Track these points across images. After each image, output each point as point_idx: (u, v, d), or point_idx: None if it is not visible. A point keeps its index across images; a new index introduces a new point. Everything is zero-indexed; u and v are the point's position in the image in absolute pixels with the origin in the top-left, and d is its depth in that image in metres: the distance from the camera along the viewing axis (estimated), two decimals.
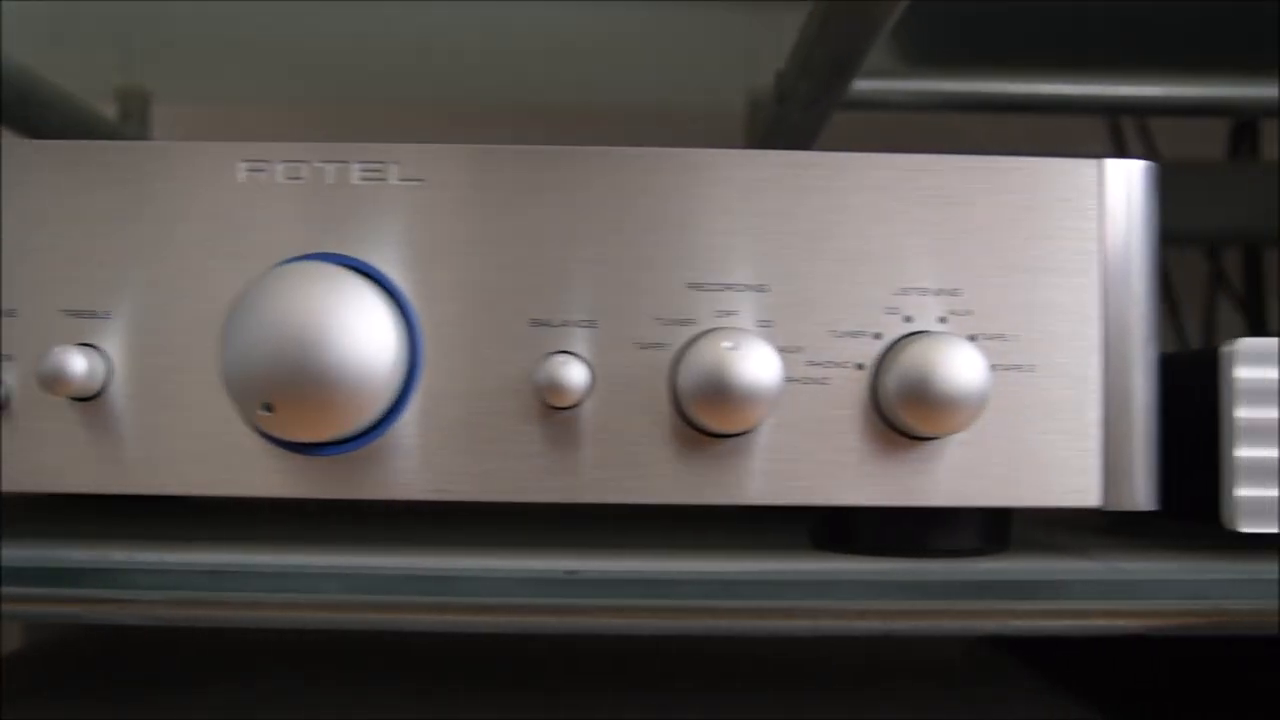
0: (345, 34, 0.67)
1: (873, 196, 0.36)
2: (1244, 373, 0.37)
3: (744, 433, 0.36)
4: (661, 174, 0.36)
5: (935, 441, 0.36)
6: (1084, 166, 0.37)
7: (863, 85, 0.52)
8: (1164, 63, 0.64)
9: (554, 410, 0.36)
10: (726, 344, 0.34)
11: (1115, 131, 0.76)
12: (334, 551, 0.36)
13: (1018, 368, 0.36)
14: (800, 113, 0.53)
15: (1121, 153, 0.78)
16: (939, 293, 0.36)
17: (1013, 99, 0.59)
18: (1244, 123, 0.77)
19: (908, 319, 0.36)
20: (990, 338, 0.36)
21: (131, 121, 0.70)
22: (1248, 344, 0.37)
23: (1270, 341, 0.37)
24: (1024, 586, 0.36)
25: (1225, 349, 0.37)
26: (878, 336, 0.36)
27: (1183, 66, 0.64)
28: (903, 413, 0.35)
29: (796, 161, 0.37)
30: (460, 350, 0.36)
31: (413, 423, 0.36)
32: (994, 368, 0.36)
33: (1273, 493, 0.37)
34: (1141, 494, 0.37)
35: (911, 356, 0.34)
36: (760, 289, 0.36)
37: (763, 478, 0.36)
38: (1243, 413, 0.37)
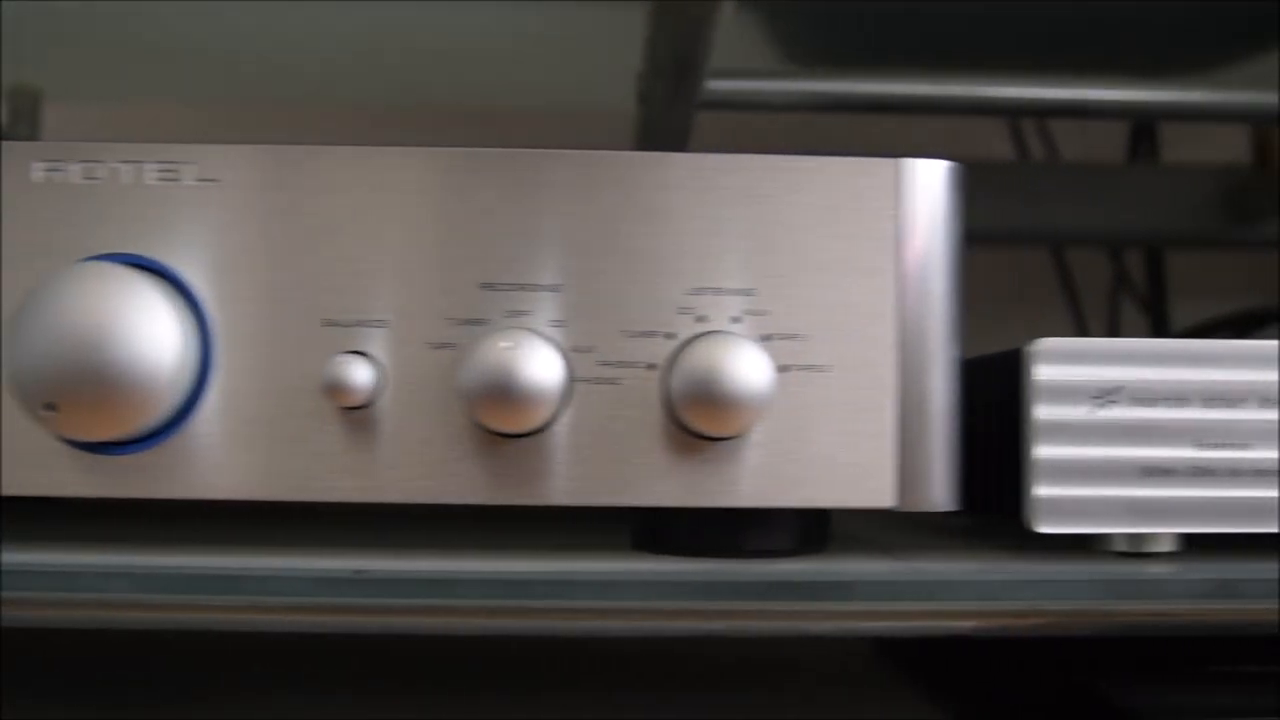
0: (237, 32, 0.67)
1: (669, 196, 0.36)
2: (1044, 372, 0.37)
3: (532, 433, 0.36)
4: (455, 173, 0.36)
5: (729, 442, 0.36)
6: (881, 166, 0.37)
7: (721, 85, 0.52)
8: (1065, 65, 0.64)
9: (347, 410, 0.36)
10: (505, 344, 0.34)
11: (1015, 133, 0.76)
12: (124, 550, 0.36)
13: (812, 368, 0.36)
14: (663, 113, 0.53)
15: (1023, 155, 0.78)
16: (733, 293, 0.36)
17: (894, 99, 0.58)
18: (1143, 125, 0.77)
19: (701, 319, 0.36)
20: (785, 338, 0.36)
21: (22, 121, 0.69)
22: (1047, 343, 0.37)
23: (1070, 341, 0.37)
24: (816, 588, 0.36)
25: (1027, 348, 0.37)
26: (670, 336, 0.36)
27: (1080, 69, 0.64)
28: (686, 413, 0.35)
29: (592, 161, 0.36)
30: (255, 350, 0.36)
31: (209, 422, 0.36)
32: (788, 368, 0.36)
33: (1072, 492, 0.37)
34: (939, 495, 0.37)
35: (692, 357, 0.34)
36: (553, 289, 0.36)
37: (560, 479, 0.36)
38: (1042, 412, 0.37)
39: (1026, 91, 0.62)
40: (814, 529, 0.40)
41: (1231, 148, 0.76)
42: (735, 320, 0.36)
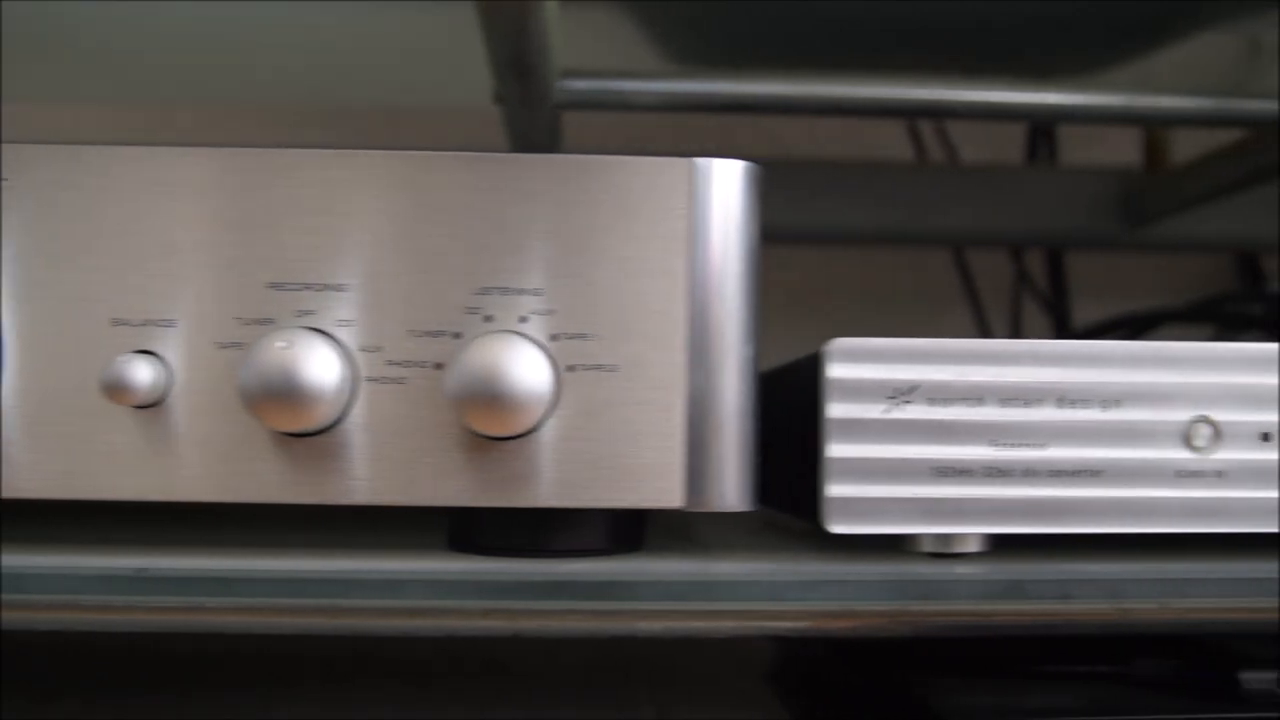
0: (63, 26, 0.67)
1: (460, 195, 0.36)
2: (837, 371, 0.37)
3: (319, 432, 0.36)
4: (245, 173, 0.36)
5: (515, 442, 0.36)
6: (674, 166, 0.37)
7: (576, 85, 0.52)
8: (953, 66, 0.64)
9: (137, 409, 0.36)
10: (280, 344, 0.34)
11: (913, 134, 0.76)
12: None
13: (601, 368, 0.36)
14: (519, 113, 0.53)
15: (921, 156, 0.78)
16: (521, 292, 0.36)
17: (766, 100, 0.58)
18: (1041, 127, 0.77)
19: (489, 319, 0.36)
20: (573, 337, 0.36)
21: None
22: (841, 343, 0.37)
23: (864, 341, 0.37)
24: (595, 588, 0.36)
25: (822, 348, 0.37)
26: (457, 336, 0.36)
27: (969, 71, 0.64)
28: (464, 413, 0.35)
29: (382, 161, 0.36)
30: (45, 350, 0.36)
31: None
32: (575, 368, 0.36)
33: (865, 492, 0.37)
34: (732, 495, 0.37)
35: (467, 357, 0.34)
36: (341, 289, 0.36)
37: (352, 478, 0.36)
38: (835, 411, 0.37)
39: (909, 92, 0.61)
40: (626, 529, 0.40)
41: (1133, 150, 0.76)
42: (523, 320, 0.36)
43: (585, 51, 0.61)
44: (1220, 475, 0.38)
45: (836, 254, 0.80)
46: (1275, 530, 0.38)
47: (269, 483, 0.36)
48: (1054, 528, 0.37)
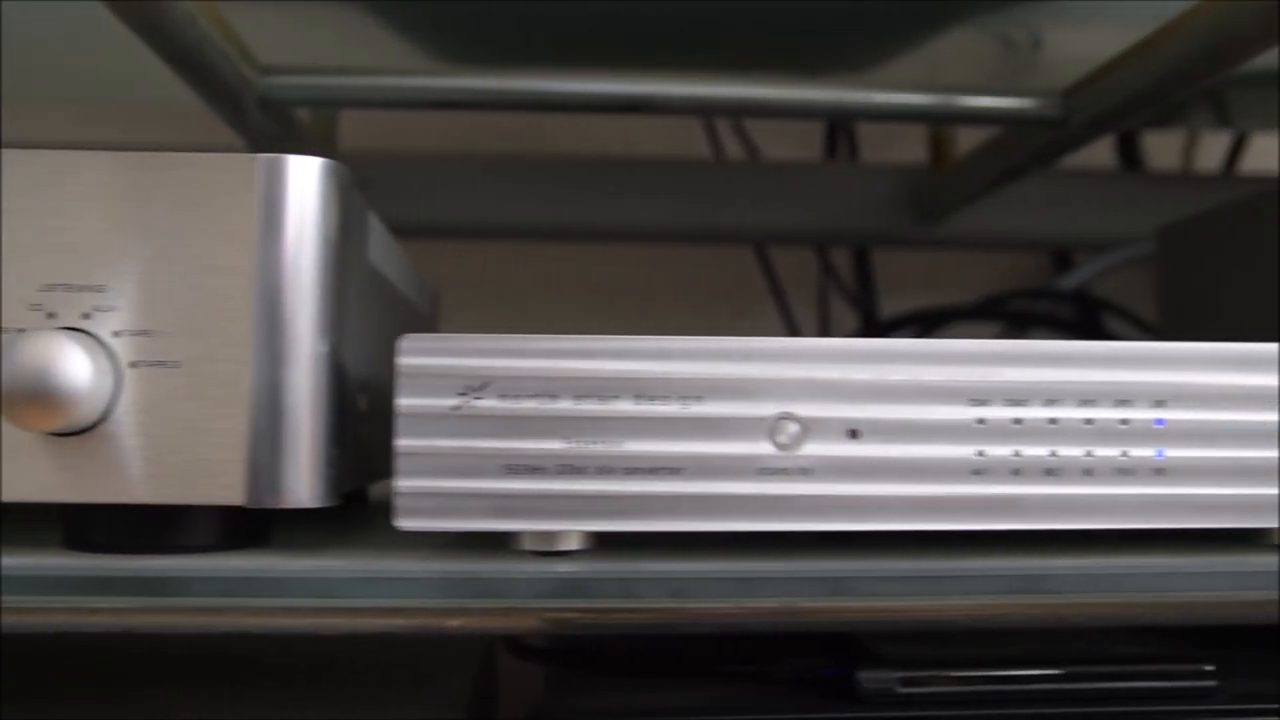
0: None
1: (19, 191, 0.36)
2: (407, 364, 0.37)
3: None
4: None
5: (77, 437, 0.36)
6: (243, 163, 0.37)
7: (284, 81, 0.52)
8: (755, 65, 0.64)
9: None
10: None
11: (710, 132, 0.76)
12: None
13: (163, 364, 0.36)
14: (226, 108, 0.53)
15: (717, 154, 0.78)
16: (85, 289, 0.36)
17: (515, 96, 0.58)
18: (838, 125, 0.77)
19: (52, 315, 0.36)
20: (136, 334, 0.36)
21: None
22: (412, 339, 0.37)
23: (437, 336, 0.37)
24: (153, 584, 0.36)
25: (397, 343, 0.37)
26: (22, 333, 0.36)
27: (769, 69, 0.64)
28: (7, 408, 0.35)
29: None
30: None
31: None
32: (138, 364, 0.36)
33: (435, 488, 0.37)
34: (303, 492, 0.37)
35: (7, 354, 0.34)
36: None
37: None
38: (404, 405, 0.37)
39: (707, 90, 0.61)
40: (242, 526, 0.40)
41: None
42: (85, 316, 0.36)
43: (357, 54, 0.61)
44: (805, 472, 0.38)
45: (650, 252, 0.80)
46: (866, 528, 0.38)
47: None
48: (635, 524, 0.37)
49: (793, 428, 0.38)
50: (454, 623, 0.36)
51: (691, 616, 0.37)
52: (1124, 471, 0.39)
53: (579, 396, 0.37)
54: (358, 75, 0.54)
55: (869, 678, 0.41)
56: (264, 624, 0.37)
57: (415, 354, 0.37)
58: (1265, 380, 0.40)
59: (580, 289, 0.79)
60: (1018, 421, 0.39)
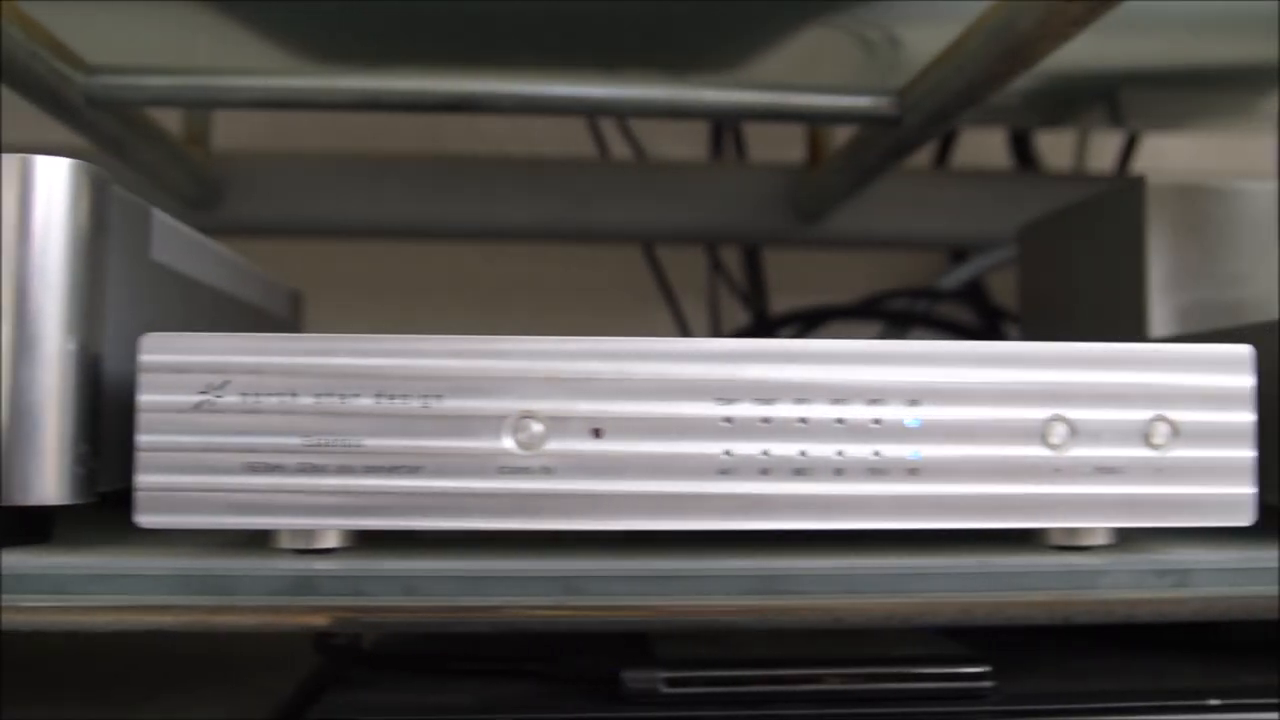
0: None
1: None
2: (148, 362, 0.37)
3: None
4: None
5: None
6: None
7: (106, 81, 0.53)
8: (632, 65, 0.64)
9: None
10: None
11: (595, 131, 0.76)
12: None
13: None
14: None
15: (603, 153, 0.78)
16: None
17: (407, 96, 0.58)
18: (724, 124, 0.77)
19: None
20: None
21: None
22: (153, 337, 0.37)
23: (177, 335, 0.37)
24: None
25: (139, 340, 0.38)
26: None
27: (643, 68, 0.64)
28: None
29: None
30: None
31: None
32: None
33: (174, 485, 0.37)
34: (50, 489, 0.37)
35: None
36: None
37: None
38: (145, 402, 0.37)
39: (573, 90, 0.61)
40: (17, 523, 0.40)
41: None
42: None
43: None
44: (548, 470, 0.38)
45: (536, 251, 0.80)
46: (610, 527, 0.38)
47: None
48: (374, 523, 0.37)
49: (535, 426, 0.38)
50: (171, 619, 0.37)
51: (422, 614, 0.37)
52: (876, 471, 0.39)
53: (319, 395, 0.38)
54: (184, 75, 0.54)
55: (633, 677, 0.41)
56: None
57: (157, 351, 0.37)
58: (1021, 376, 0.39)
59: (465, 289, 0.80)
60: (766, 420, 0.39)
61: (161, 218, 0.45)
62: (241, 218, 0.71)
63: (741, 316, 0.78)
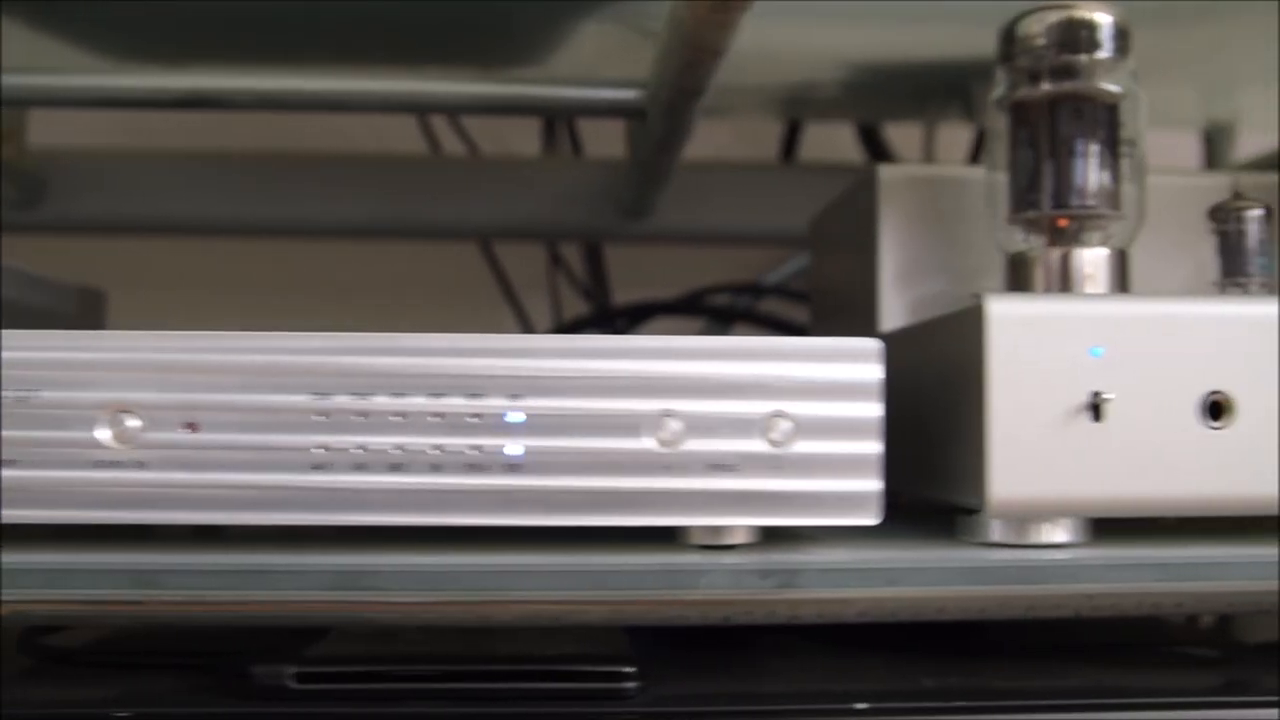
0: None
1: None
2: None
3: None
4: None
5: None
6: None
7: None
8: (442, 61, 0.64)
9: None
10: None
11: (425, 128, 0.76)
12: None
13: None
14: None
15: (434, 149, 0.78)
16: None
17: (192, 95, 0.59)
18: (556, 119, 0.76)
19: None
20: None
21: None
22: None
23: None
24: None
25: None
26: None
27: (467, 65, 0.64)
28: None
29: None
30: None
31: None
32: None
33: None
34: None
35: None
36: None
37: None
38: None
39: (395, 86, 0.62)
40: None
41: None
42: None
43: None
44: (141, 464, 0.38)
45: (370, 249, 0.80)
46: (204, 521, 0.38)
47: None
48: None
49: (129, 420, 0.38)
50: None
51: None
52: (475, 466, 0.39)
53: None
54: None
55: (263, 671, 0.41)
56: None
57: None
58: (631, 368, 0.39)
59: (306, 289, 0.80)
60: (363, 414, 0.38)
61: None
62: (66, 216, 0.71)
63: (585, 312, 0.77)
